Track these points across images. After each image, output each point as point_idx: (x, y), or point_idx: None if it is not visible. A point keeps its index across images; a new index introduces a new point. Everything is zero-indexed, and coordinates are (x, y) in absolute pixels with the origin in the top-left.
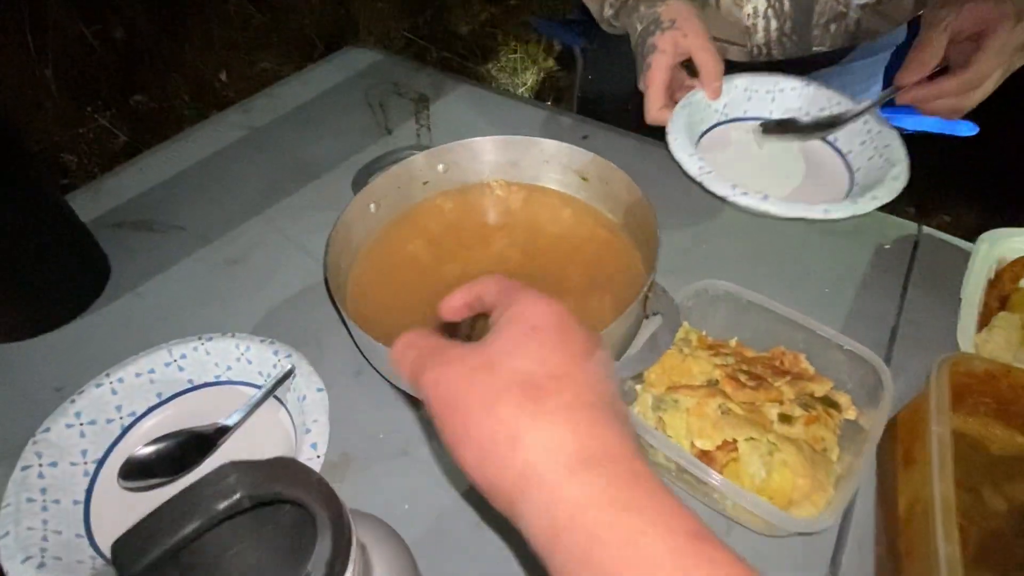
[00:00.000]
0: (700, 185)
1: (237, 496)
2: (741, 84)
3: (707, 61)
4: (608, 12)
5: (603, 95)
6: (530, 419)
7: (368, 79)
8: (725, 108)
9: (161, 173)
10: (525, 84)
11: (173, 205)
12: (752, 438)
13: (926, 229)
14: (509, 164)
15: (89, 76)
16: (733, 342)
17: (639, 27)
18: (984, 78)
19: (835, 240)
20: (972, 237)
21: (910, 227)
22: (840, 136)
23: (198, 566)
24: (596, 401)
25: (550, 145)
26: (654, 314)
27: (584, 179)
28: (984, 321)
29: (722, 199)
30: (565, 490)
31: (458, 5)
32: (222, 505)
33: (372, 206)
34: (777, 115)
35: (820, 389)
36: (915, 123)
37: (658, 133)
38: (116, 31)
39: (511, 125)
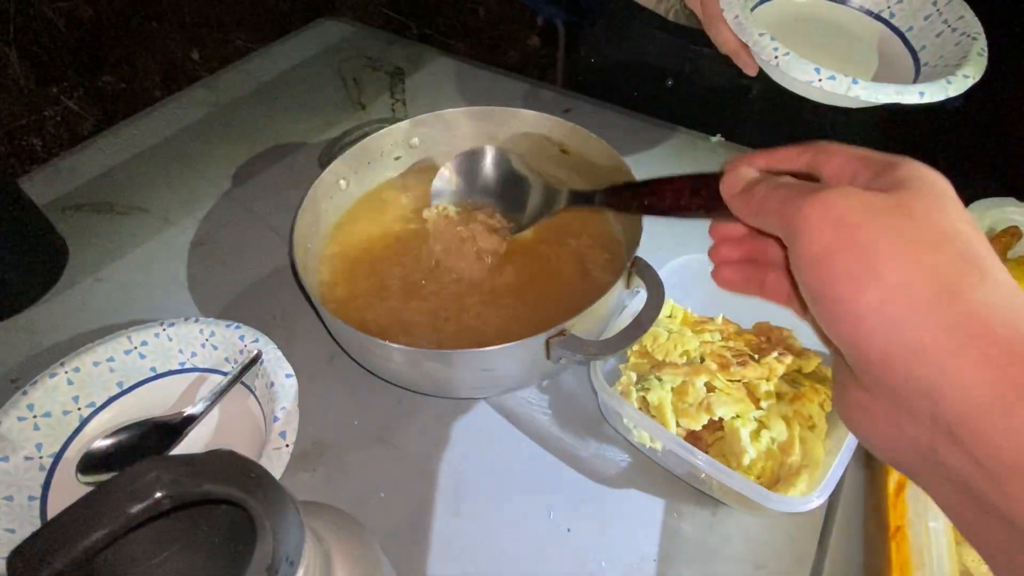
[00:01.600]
0: (774, 68)
1: (156, 496)
2: None
3: None
4: None
5: (592, 68)
6: (979, 279)
7: (342, 53)
8: None
9: (123, 153)
10: (508, 61)
11: (135, 186)
12: (738, 416)
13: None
14: (486, 136)
15: (55, 56)
16: (719, 318)
17: None
18: None
19: None
20: None
21: None
22: (897, 11)
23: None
24: None
25: (529, 115)
26: (637, 291)
27: (564, 151)
28: None
29: (806, 83)
30: None
31: None
32: (136, 508)
33: (342, 182)
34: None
35: (808, 365)
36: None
37: (643, 106)
38: (83, 10)
39: (491, 99)
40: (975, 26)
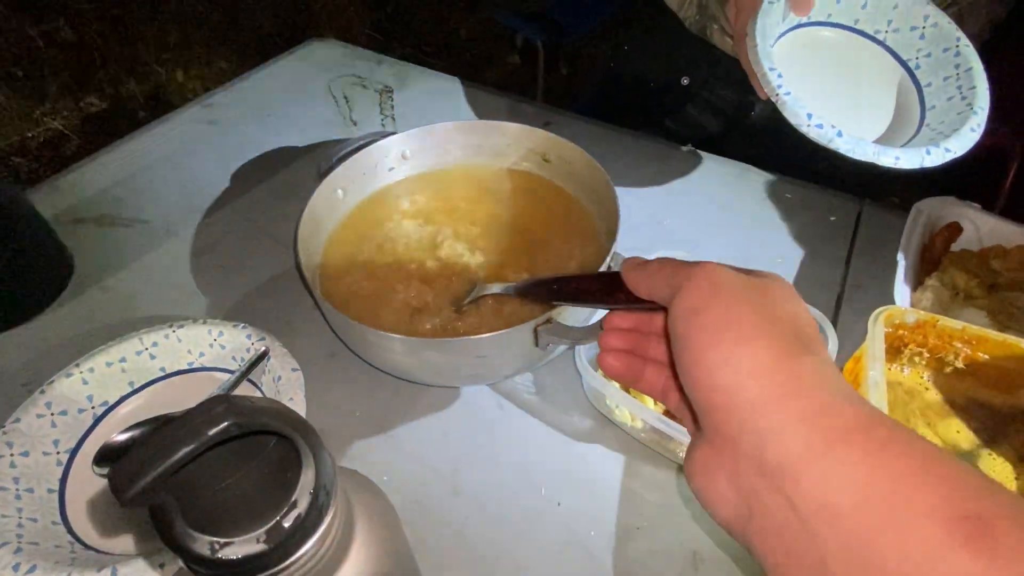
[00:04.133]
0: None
1: (225, 424)
2: None
3: None
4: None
5: (572, 84)
6: (805, 352)
7: (331, 72)
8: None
9: (122, 169)
10: (490, 79)
11: (136, 200)
12: None
13: (868, 203)
14: (473, 147)
15: (38, 78)
16: None
17: None
18: None
19: (785, 213)
20: None
21: (854, 201)
22: (924, 64)
23: (192, 494)
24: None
25: (512, 128)
26: None
27: (546, 160)
28: (919, 282)
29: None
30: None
31: (421, 0)
32: (212, 431)
33: (339, 192)
34: (865, 22)
35: None
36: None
37: (618, 119)
38: (65, 32)
39: (476, 113)
40: (982, 100)
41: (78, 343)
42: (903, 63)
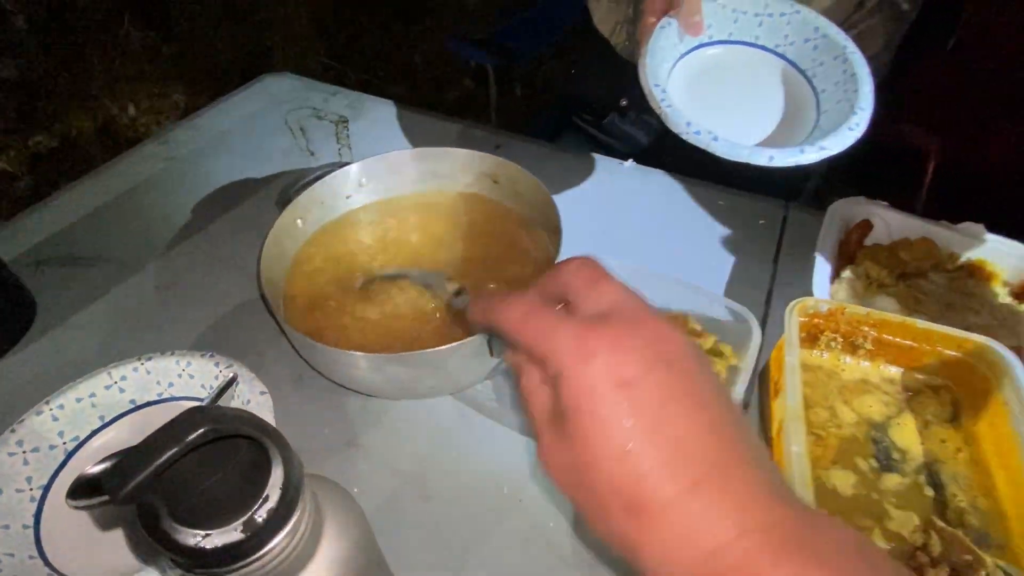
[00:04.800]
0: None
1: (203, 429)
2: (732, 4)
3: None
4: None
5: (521, 106)
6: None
7: (287, 104)
8: (709, 30)
9: (81, 209)
10: (446, 102)
11: (97, 238)
12: None
13: (793, 206)
14: (426, 173)
15: None
16: None
17: None
18: None
19: (718, 219)
20: None
21: (780, 206)
22: (819, 73)
23: (177, 493)
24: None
25: (462, 153)
26: None
27: (495, 182)
28: (837, 275)
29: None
30: None
31: (375, 27)
32: (191, 436)
33: (299, 221)
34: (764, 39)
35: (706, 343)
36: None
37: (567, 139)
38: (8, 70)
39: (429, 139)
40: (864, 101)
41: (47, 381)
42: (802, 72)
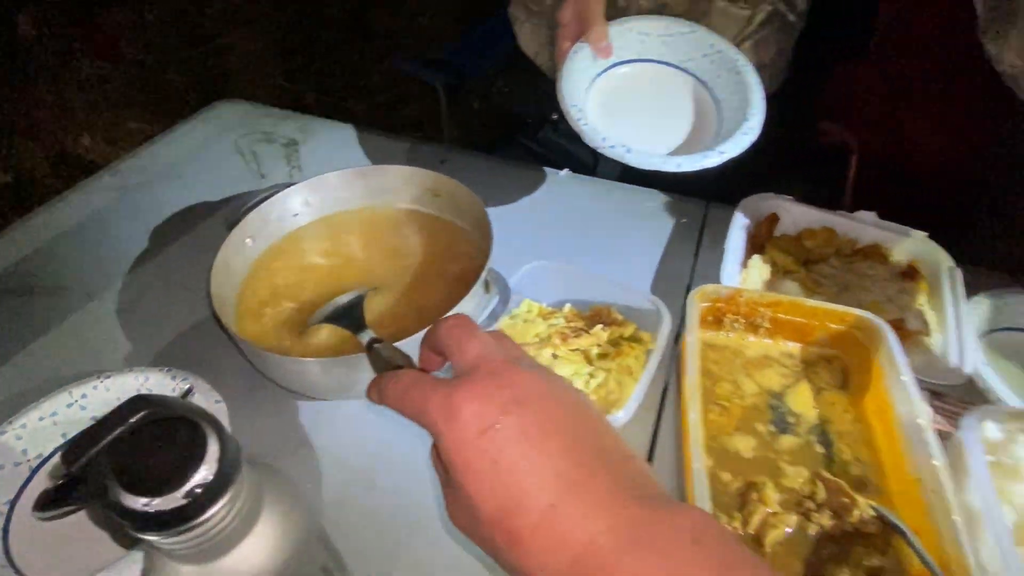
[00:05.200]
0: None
1: (144, 412)
2: (636, 27)
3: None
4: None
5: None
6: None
7: (238, 130)
8: (618, 52)
9: (35, 240)
10: (404, 119)
11: (52, 268)
12: (574, 373)
13: (713, 206)
14: (371, 190)
15: None
16: (566, 308)
17: None
18: None
19: (644, 220)
20: None
21: (700, 205)
22: (717, 84)
23: (127, 467)
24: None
25: (404, 170)
26: (494, 293)
27: (436, 195)
28: (746, 265)
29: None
30: None
31: (332, 48)
32: (134, 418)
33: (248, 240)
34: (670, 56)
35: (627, 331)
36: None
37: (507, 152)
38: None
39: (378, 157)
40: (755, 107)
41: (9, 405)
42: (704, 84)
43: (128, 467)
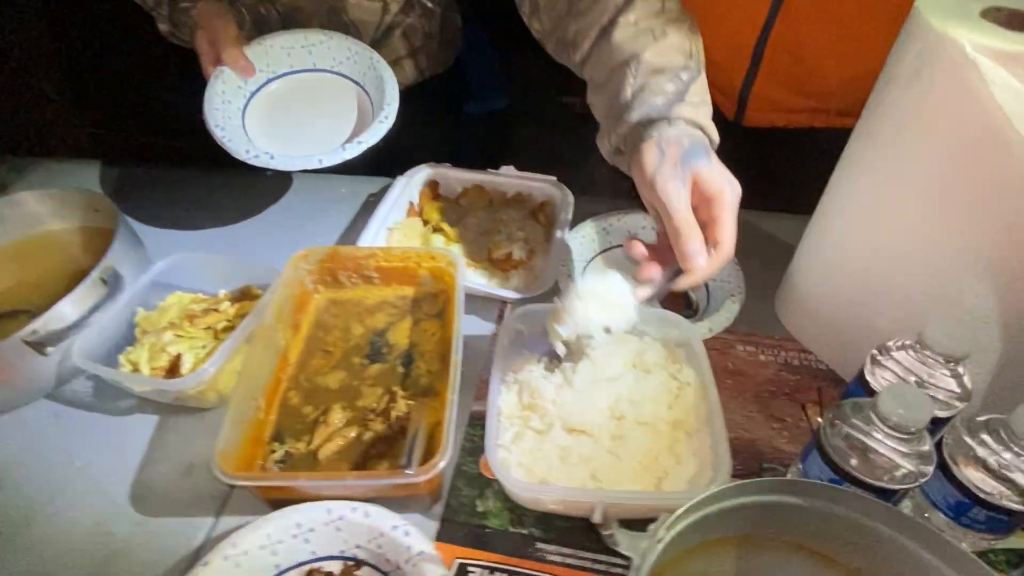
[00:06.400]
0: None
1: None
2: (278, 43)
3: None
4: None
5: None
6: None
7: None
8: (270, 67)
9: None
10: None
11: None
12: (192, 347)
13: (399, 178)
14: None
15: None
16: (222, 293)
17: None
18: (733, 246)
19: (333, 199)
20: None
21: (388, 180)
22: (365, 81)
23: None
24: None
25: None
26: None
27: (96, 210)
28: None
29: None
30: None
31: (140, 86)
32: None
33: None
34: (321, 63)
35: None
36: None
37: None
38: None
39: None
40: (390, 96)
41: None
42: (356, 83)
43: None
